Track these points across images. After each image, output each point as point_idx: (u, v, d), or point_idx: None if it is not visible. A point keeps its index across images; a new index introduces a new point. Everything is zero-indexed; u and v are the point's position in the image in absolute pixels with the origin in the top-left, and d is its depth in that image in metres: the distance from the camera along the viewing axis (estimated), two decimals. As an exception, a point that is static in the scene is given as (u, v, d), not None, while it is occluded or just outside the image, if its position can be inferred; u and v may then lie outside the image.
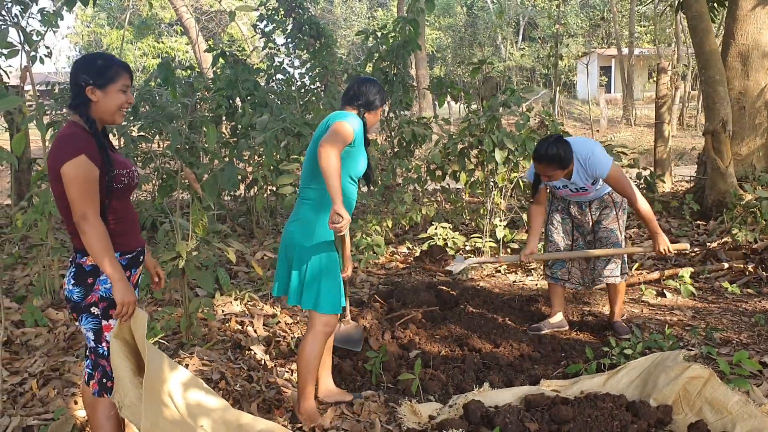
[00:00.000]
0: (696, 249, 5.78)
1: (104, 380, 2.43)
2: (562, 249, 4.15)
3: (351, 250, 3.25)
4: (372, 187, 3.32)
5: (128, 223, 2.48)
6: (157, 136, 6.54)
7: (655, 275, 5.14)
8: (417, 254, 6.13)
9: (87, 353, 2.52)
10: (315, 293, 2.98)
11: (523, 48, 35.11)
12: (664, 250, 3.81)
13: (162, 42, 31.71)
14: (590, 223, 4.08)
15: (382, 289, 5.17)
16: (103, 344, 2.43)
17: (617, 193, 3.90)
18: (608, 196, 4.03)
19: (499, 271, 5.67)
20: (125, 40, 29.37)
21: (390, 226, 6.32)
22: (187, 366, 3.44)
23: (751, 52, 6.63)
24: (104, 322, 2.42)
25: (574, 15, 34.74)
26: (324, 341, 3.06)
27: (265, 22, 7.39)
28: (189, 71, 5.61)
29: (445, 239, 6.01)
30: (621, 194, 3.85)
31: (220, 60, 6.84)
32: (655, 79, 9.15)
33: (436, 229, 6.11)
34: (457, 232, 6.36)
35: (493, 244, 5.95)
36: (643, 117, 23.00)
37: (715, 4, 8.42)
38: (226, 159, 4.93)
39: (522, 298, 4.89)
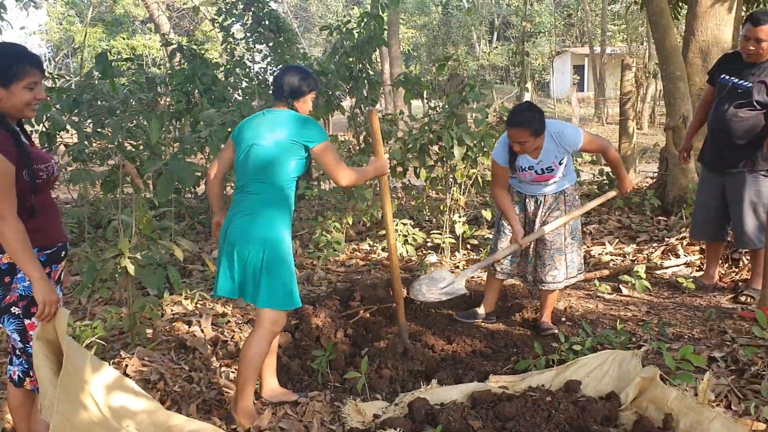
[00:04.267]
0: (655, 244, 5.78)
1: None
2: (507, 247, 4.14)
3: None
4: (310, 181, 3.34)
5: (48, 218, 2.40)
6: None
7: (606, 272, 5.13)
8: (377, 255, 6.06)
9: (16, 354, 2.43)
10: (267, 289, 2.89)
11: (497, 47, 35.24)
12: (629, 189, 4.12)
13: (135, 40, 31.34)
14: (539, 222, 4.06)
15: (340, 287, 5.10)
16: (31, 343, 2.35)
17: (594, 151, 4.18)
18: (562, 196, 4.03)
19: (458, 267, 5.63)
20: (98, 38, 28.97)
21: (351, 223, 6.24)
22: (126, 367, 3.34)
23: (711, 48, 6.64)
24: (27, 321, 2.35)
25: (548, 14, 34.97)
26: (270, 341, 2.99)
27: (223, 16, 7.28)
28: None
29: (405, 236, 5.94)
30: (597, 149, 4.00)
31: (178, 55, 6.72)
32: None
33: (396, 225, 6.04)
34: (418, 229, 6.30)
35: (453, 241, 5.90)
36: (615, 115, 23.09)
37: (679, 2, 8.46)
38: (180, 155, 4.82)
39: (479, 293, 4.83)
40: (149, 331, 3.94)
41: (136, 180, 3.63)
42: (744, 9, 8.20)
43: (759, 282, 4.37)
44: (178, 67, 6.79)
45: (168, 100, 7.23)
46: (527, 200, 4.09)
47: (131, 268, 3.58)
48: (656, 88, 20.80)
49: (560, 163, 3.87)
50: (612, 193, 4.30)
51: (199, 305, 4.48)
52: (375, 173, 3.31)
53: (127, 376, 3.22)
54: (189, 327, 4.10)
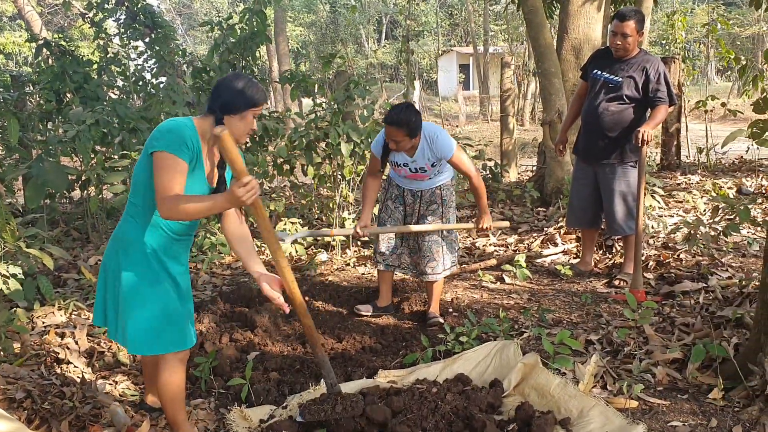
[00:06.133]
0: (535, 234, 6.01)
1: None
2: (393, 242, 4.24)
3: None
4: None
5: None
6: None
7: (494, 261, 5.29)
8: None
9: None
10: (139, 333, 2.55)
11: (385, 45, 35.62)
12: (487, 226, 4.12)
13: (3, 37, 29.26)
14: (416, 215, 4.16)
15: (226, 290, 4.96)
16: None
17: (460, 171, 4.04)
18: (438, 190, 4.12)
19: (349, 264, 5.62)
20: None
21: (236, 223, 6.07)
22: (-12, 386, 3.09)
23: (583, 45, 6.98)
24: None
25: (433, 14, 35.68)
26: (181, 368, 2.69)
27: (94, 11, 6.91)
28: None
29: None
30: (462, 172, 4.00)
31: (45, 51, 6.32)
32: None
33: (285, 224, 5.94)
34: (307, 227, 6.24)
35: (343, 238, 5.88)
36: (499, 112, 23.97)
37: (553, 1, 8.84)
38: (46, 157, 4.51)
39: (369, 289, 4.85)
40: (17, 345, 3.66)
41: (-5, 184, 3.36)
42: (612, 8, 8.69)
43: (631, 267, 4.62)
44: (47, 66, 6.38)
45: (37, 99, 6.80)
46: (405, 194, 4.16)
47: (-8, 280, 3.32)
48: (536, 86, 21.69)
49: (432, 166, 3.95)
50: (469, 226, 4.29)
51: (73, 315, 4.22)
52: (226, 204, 2.30)
53: (-11, 396, 2.98)
54: (62, 339, 3.85)
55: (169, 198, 2.32)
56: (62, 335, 3.89)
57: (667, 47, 10.85)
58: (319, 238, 6.06)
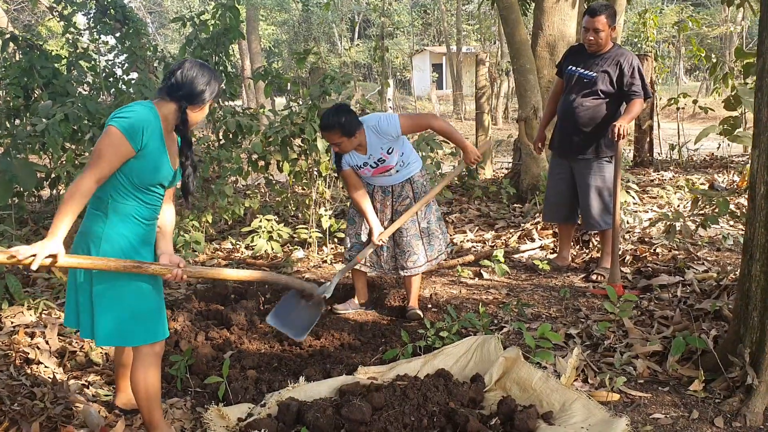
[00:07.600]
0: (512, 230, 6.02)
1: None
2: (362, 238, 4.18)
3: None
4: (189, 199, 2.73)
5: None
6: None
7: (471, 257, 5.28)
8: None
9: None
10: (112, 326, 2.49)
11: (358, 44, 35.57)
12: (476, 158, 4.00)
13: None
14: (390, 211, 4.12)
15: (201, 288, 4.87)
16: None
17: (419, 129, 4.09)
18: (408, 184, 4.09)
19: (326, 261, 5.57)
20: None
21: (210, 221, 5.99)
22: (-46, 388, 2.98)
23: (558, 42, 7.01)
24: None
25: (406, 13, 35.73)
26: (156, 364, 2.64)
27: (63, 5, 6.74)
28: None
29: (269, 232, 5.78)
30: (419, 127, 4.01)
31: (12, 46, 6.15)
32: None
33: (260, 222, 5.87)
34: (283, 225, 6.17)
35: (320, 235, 5.83)
36: (472, 111, 24.02)
37: (527, -3, 8.88)
38: (14, 152, 4.38)
39: (346, 287, 4.80)
40: (-16, 347, 3.55)
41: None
42: (586, 5, 8.75)
43: (608, 261, 4.64)
44: (14, 61, 6.22)
45: (4, 95, 6.63)
46: (375, 191, 4.12)
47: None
48: (509, 85, 21.81)
49: (389, 153, 3.91)
50: (460, 167, 4.44)
51: (43, 315, 4.10)
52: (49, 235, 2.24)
53: (-44, 398, 2.88)
54: (32, 339, 3.74)
55: (88, 176, 2.28)
56: (32, 335, 3.78)
57: (639, 45, 10.97)
58: (295, 235, 6.00)
